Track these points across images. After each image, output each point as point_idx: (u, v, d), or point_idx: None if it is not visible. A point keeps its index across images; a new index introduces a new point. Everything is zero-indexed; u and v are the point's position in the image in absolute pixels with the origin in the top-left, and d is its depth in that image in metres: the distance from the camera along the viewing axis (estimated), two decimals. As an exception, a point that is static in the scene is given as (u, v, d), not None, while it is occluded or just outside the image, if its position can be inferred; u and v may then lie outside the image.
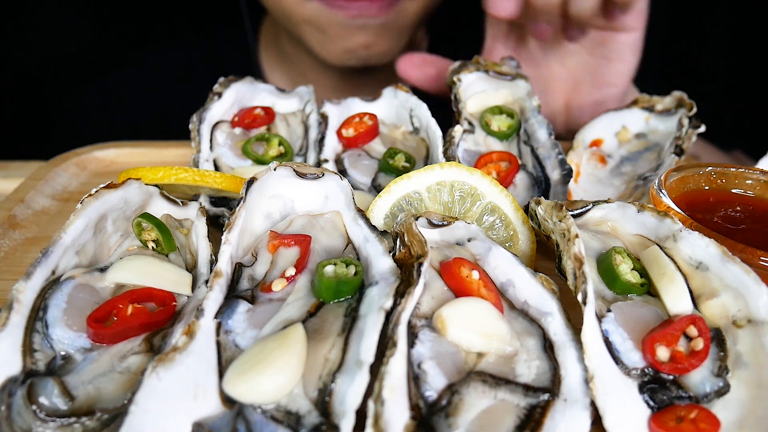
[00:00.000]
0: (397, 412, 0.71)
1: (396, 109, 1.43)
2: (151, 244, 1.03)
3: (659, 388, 0.80)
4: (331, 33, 1.77)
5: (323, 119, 1.39)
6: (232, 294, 0.91)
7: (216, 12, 2.22)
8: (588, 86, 1.59)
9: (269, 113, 1.43)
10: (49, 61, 2.26)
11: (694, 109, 1.32)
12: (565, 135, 1.61)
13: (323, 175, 1.04)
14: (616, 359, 0.82)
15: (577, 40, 1.51)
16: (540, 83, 1.61)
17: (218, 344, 0.82)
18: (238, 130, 1.39)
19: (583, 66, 1.58)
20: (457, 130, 1.28)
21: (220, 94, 1.41)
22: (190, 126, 1.35)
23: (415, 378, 0.78)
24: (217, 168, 1.31)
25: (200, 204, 1.13)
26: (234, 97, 1.43)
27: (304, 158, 1.35)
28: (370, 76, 2.04)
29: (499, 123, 1.35)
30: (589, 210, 0.98)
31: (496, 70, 1.40)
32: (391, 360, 0.74)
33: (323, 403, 0.75)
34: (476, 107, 1.39)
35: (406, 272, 0.87)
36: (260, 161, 1.32)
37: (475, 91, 1.40)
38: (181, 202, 1.11)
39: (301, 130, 1.43)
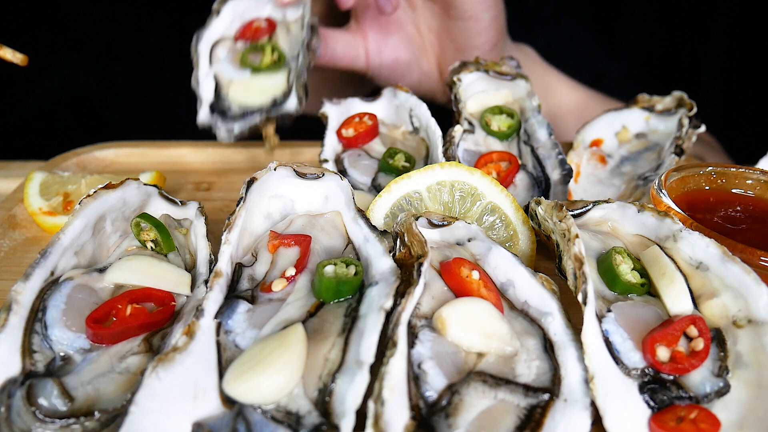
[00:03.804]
0: (397, 412, 0.71)
1: (396, 108, 1.43)
2: (149, 244, 1.03)
3: (659, 388, 0.80)
4: None
5: (323, 119, 1.39)
6: (232, 294, 0.91)
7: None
8: (452, 51, 1.60)
9: (271, 24, 1.45)
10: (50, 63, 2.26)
11: (695, 109, 1.32)
12: (446, 104, 1.65)
13: (323, 175, 1.04)
14: (617, 359, 0.82)
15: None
16: (412, 48, 1.64)
17: (218, 344, 0.82)
18: (240, 44, 1.42)
19: (443, 29, 1.60)
20: (457, 130, 1.28)
21: (218, 12, 1.43)
22: (191, 47, 1.40)
23: (415, 378, 0.78)
24: (217, 82, 1.37)
25: (199, 204, 1.13)
26: (232, 12, 1.45)
27: (296, 61, 1.37)
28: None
29: (499, 123, 1.34)
30: (589, 210, 0.98)
31: (496, 70, 1.40)
32: (391, 360, 0.74)
33: (323, 403, 0.75)
34: (476, 107, 1.39)
35: (406, 272, 0.87)
36: (257, 69, 1.36)
37: (475, 91, 1.40)
38: (180, 202, 1.11)
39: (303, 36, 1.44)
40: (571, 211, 0.96)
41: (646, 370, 0.82)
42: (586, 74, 2.13)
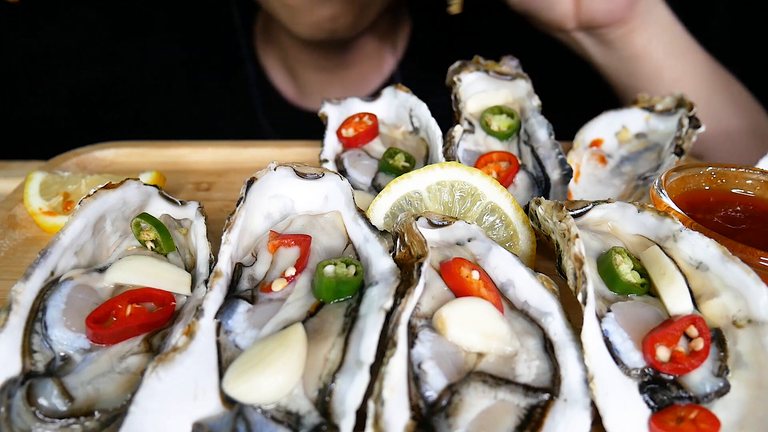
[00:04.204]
0: (397, 412, 0.71)
1: (396, 108, 1.43)
2: (149, 244, 1.03)
3: (659, 388, 0.80)
4: (297, 7, 1.78)
5: (323, 119, 1.39)
6: (232, 294, 0.91)
7: (212, 5, 2.21)
8: None
9: None
10: (55, 66, 2.26)
11: (695, 109, 1.32)
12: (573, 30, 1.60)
13: (323, 175, 1.04)
14: (617, 359, 0.82)
15: None
16: None
17: (218, 344, 0.82)
18: None
19: None
20: (458, 129, 1.28)
21: None
22: None
23: (415, 378, 0.78)
24: None
25: (199, 204, 1.13)
26: None
27: None
28: (350, 52, 2.06)
29: (499, 123, 1.34)
30: (589, 210, 0.98)
31: (496, 70, 1.40)
32: (391, 360, 0.74)
33: (323, 403, 0.75)
34: (476, 107, 1.39)
35: (406, 272, 0.87)
36: None
37: (475, 91, 1.39)
38: (180, 202, 1.11)
39: None
40: (571, 211, 0.96)
41: (646, 370, 0.82)
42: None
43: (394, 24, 2.12)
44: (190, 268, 1.02)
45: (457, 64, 1.44)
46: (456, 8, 1.41)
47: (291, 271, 0.93)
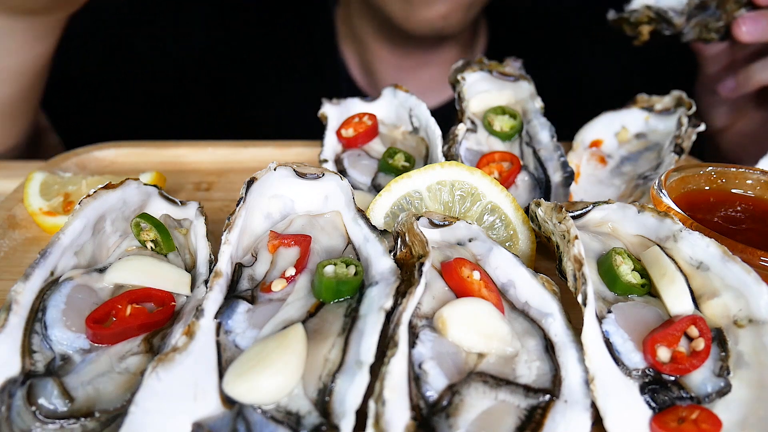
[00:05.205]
0: (398, 412, 0.71)
1: (395, 108, 1.43)
2: (149, 245, 1.02)
3: (660, 388, 0.80)
4: (415, 2, 1.81)
5: (323, 120, 1.39)
6: (232, 294, 0.90)
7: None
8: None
9: None
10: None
11: (694, 108, 1.32)
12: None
13: (323, 175, 1.04)
14: (617, 360, 0.82)
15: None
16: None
17: (218, 344, 0.82)
18: None
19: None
20: (461, 128, 1.28)
21: None
22: None
23: (415, 378, 0.78)
24: None
25: (199, 204, 1.13)
26: None
27: None
28: (432, 54, 2.10)
29: (502, 123, 1.34)
30: (589, 211, 0.98)
31: (500, 70, 1.40)
32: (392, 360, 0.73)
33: (323, 403, 0.75)
34: (479, 107, 1.39)
35: (407, 272, 0.87)
36: None
37: (478, 90, 1.39)
38: (180, 202, 1.11)
39: None
40: (571, 212, 0.96)
41: (647, 371, 0.81)
42: (578, 73, 2.14)
43: (475, 32, 2.15)
44: (190, 268, 1.01)
45: (460, 62, 1.44)
46: (644, 37, 1.47)
47: (291, 271, 0.93)
